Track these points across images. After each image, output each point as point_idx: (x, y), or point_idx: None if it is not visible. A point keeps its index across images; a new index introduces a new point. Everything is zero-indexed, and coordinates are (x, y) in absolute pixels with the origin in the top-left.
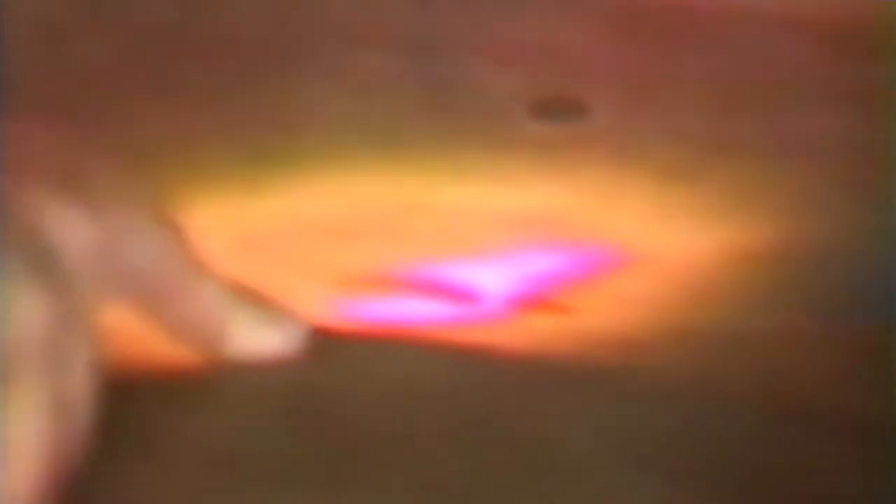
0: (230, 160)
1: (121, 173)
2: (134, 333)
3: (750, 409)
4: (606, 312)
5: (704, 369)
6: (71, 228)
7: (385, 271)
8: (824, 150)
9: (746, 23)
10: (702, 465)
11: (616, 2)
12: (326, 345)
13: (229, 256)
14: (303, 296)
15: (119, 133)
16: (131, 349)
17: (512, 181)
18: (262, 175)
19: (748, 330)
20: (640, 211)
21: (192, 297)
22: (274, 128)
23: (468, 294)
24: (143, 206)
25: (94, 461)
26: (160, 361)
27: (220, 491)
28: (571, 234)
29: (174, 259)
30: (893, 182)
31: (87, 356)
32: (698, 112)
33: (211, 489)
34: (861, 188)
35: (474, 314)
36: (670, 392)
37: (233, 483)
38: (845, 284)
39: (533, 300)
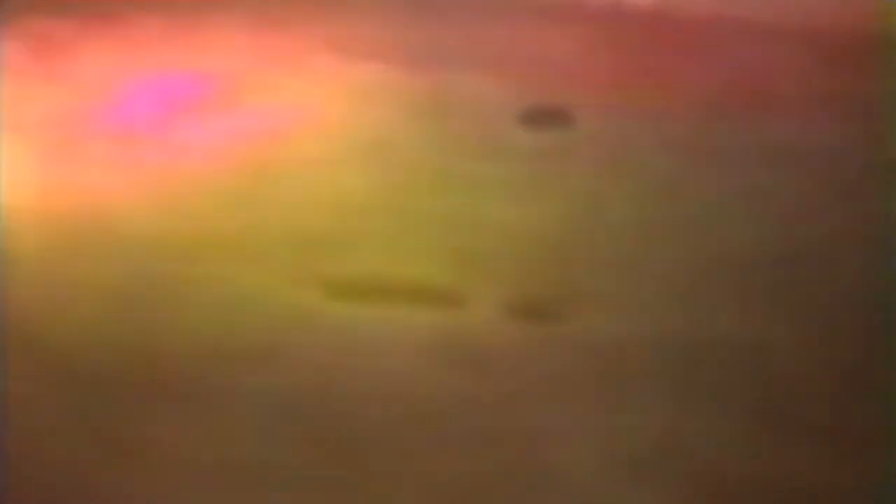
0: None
1: None
2: None
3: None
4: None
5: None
6: None
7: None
8: (811, 158)
9: (734, 33)
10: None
11: (604, 12)
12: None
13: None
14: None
15: None
16: None
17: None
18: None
19: (725, 336)
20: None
21: None
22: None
23: None
24: None
25: (88, 468)
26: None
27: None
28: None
29: None
30: (885, 190)
31: None
32: (685, 121)
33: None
34: (850, 195)
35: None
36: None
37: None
38: (832, 291)
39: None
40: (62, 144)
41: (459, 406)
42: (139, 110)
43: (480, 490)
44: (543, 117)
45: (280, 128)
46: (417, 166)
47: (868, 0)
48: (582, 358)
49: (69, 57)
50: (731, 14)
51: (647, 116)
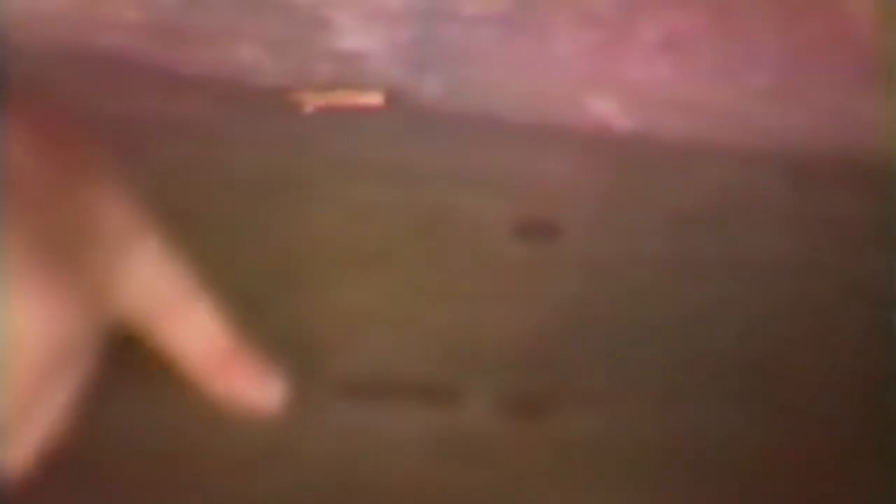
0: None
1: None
2: None
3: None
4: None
5: None
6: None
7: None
8: (779, 273)
9: (710, 156)
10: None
11: (589, 135)
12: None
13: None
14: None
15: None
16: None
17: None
18: (266, 292)
19: None
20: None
21: (195, 324)
22: (278, 250)
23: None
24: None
25: None
26: None
27: None
28: None
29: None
30: (846, 301)
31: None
32: (662, 235)
33: None
34: (815, 306)
35: None
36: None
37: None
38: (799, 392)
39: None
40: None
41: (453, 496)
42: None
43: None
44: (534, 231)
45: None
46: (417, 277)
47: (843, 130)
48: (567, 450)
49: None
50: (708, 138)
51: (627, 230)
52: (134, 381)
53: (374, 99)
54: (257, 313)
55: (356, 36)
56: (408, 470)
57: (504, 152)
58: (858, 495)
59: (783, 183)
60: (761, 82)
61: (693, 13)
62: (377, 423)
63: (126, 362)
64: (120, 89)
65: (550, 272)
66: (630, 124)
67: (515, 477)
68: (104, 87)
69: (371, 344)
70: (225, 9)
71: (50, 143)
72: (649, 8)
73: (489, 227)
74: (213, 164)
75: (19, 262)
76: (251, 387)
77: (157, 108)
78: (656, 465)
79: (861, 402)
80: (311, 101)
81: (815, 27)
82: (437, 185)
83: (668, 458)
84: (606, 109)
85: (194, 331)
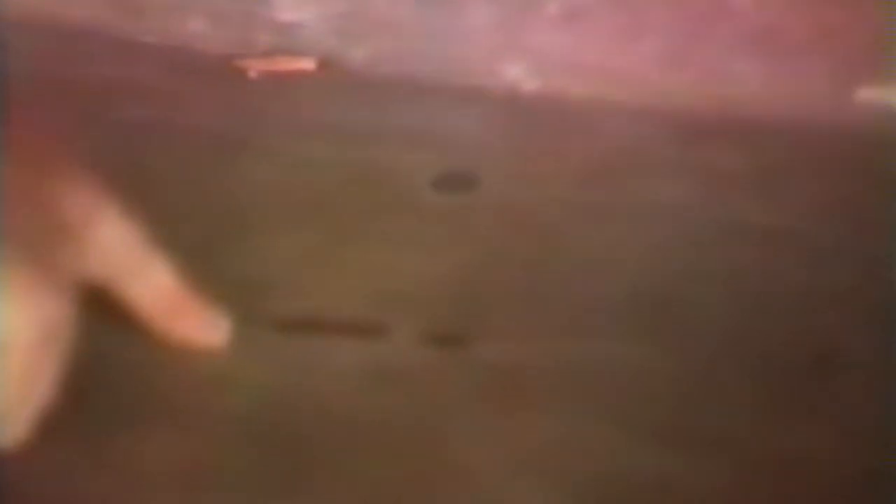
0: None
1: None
2: None
3: None
4: None
5: None
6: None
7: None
8: (667, 215)
9: (608, 113)
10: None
11: (499, 94)
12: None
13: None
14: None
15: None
16: None
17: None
18: (213, 239)
19: None
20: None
21: (149, 280)
22: (223, 202)
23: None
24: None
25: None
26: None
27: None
28: None
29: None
30: (727, 240)
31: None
32: (570, 183)
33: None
34: (698, 244)
35: None
36: None
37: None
38: (697, 324)
39: None
40: None
41: (383, 418)
42: None
43: (399, 487)
44: (453, 182)
45: None
46: (347, 225)
47: (723, 90)
48: (486, 378)
49: None
50: (606, 98)
51: (536, 180)
52: (103, 329)
53: (309, 65)
54: (205, 258)
55: (293, 9)
56: (340, 397)
57: (425, 112)
58: (741, 406)
59: (670, 136)
60: (652, 48)
61: None
62: (312, 356)
63: (96, 313)
64: (82, 57)
65: (468, 218)
66: (537, 86)
67: (437, 402)
68: (68, 55)
69: (306, 285)
70: None
71: (17, 150)
72: None
73: (412, 178)
74: (166, 125)
75: (4, 257)
76: (199, 327)
77: (115, 74)
78: (566, 392)
79: (738, 325)
80: (253, 68)
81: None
82: (365, 142)
83: (576, 384)
84: (516, 73)
85: (148, 284)
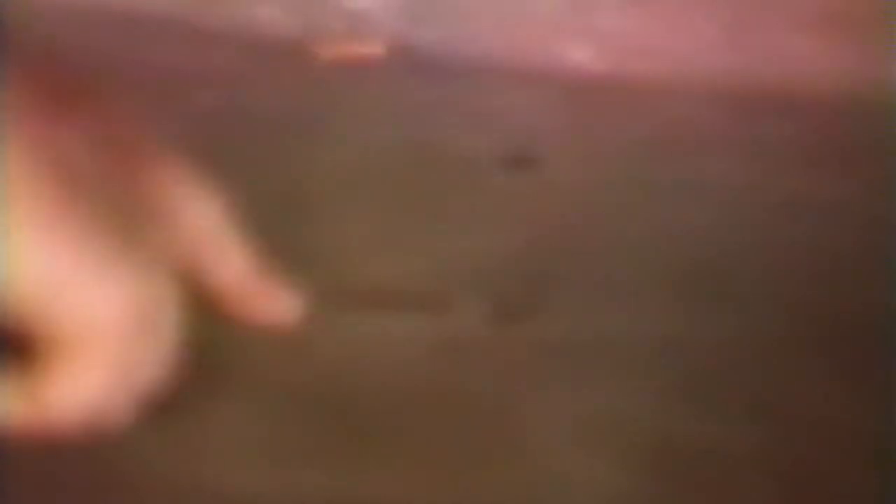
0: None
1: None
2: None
3: None
4: None
5: None
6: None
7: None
8: (724, 191)
9: (664, 93)
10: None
11: (562, 76)
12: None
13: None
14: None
15: None
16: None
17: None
18: (286, 219)
19: None
20: None
21: (230, 263)
22: (296, 183)
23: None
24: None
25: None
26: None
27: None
28: None
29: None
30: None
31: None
32: (629, 161)
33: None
34: (755, 223)
35: None
36: None
37: None
38: (755, 297)
39: None
40: None
41: (449, 392)
42: None
43: (462, 460)
44: (517, 162)
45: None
46: (415, 204)
47: (777, 69)
48: (550, 352)
49: None
50: (667, 79)
51: (599, 160)
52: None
53: (377, 49)
54: (278, 237)
55: None
56: (406, 369)
57: (491, 95)
58: (803, 374)
59: (730, 115)
60: (714, 30)
61: None
62: (380, 330)
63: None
64: (158, 46)
65: (531, 198)
66: (602, 68)
67: (502, 376)
68: (141, 45)
69: (376, 263)
70: None
71: (104, 139)
72: None
73: (479, 159)
74: (237, 110)
75: (94, 241)
76: (275, 306)
77: (189, 62)
78: (629, 365)
79: (797, 297)
80: (323, 53)
81: None
82: (432, 125)
83: (639, 357)
84: (582, 56)
85: (229, 267)
